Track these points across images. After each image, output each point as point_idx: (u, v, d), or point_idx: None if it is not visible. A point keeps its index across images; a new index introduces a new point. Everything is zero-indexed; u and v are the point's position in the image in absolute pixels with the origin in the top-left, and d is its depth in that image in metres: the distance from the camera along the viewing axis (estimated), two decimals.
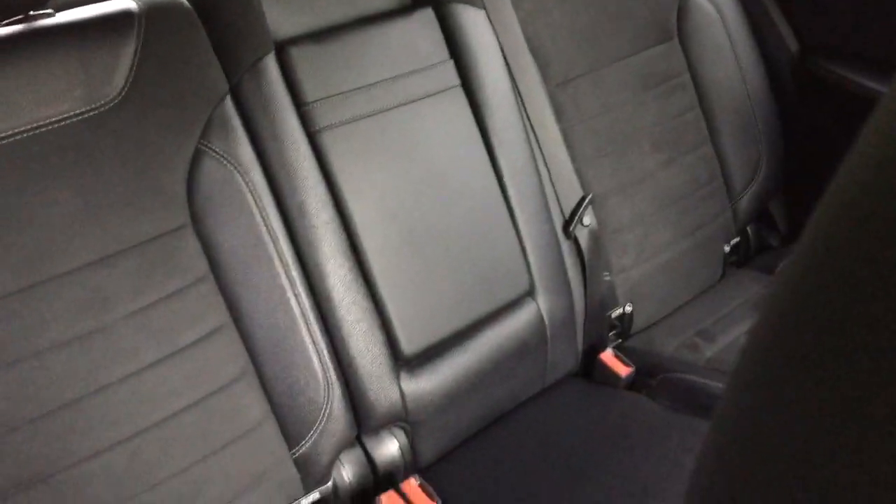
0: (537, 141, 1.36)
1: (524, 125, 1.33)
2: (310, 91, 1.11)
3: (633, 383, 1.39)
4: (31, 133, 0.92)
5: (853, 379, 0.15)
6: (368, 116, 1.15)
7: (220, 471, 1.00)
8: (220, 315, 1.03)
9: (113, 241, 0.96)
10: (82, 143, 0.95)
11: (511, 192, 1.28)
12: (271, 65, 1.09)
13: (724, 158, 1.63)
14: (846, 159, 0.18)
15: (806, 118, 1.72)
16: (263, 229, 1.05)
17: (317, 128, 1.11)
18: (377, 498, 1.14)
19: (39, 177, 0.92)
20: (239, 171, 1.04)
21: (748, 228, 1.72)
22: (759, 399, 0.17)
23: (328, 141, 1.12)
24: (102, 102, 0.97)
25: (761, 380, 0.17)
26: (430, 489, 1.15)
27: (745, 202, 1.67)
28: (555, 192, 1.38)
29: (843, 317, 0.15)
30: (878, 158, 0.17)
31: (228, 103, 1.05)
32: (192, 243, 1.02)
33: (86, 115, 0.96)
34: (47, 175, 0.93)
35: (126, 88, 0.98)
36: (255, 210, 1.05)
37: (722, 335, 1.47)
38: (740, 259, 1.72)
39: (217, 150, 1.03)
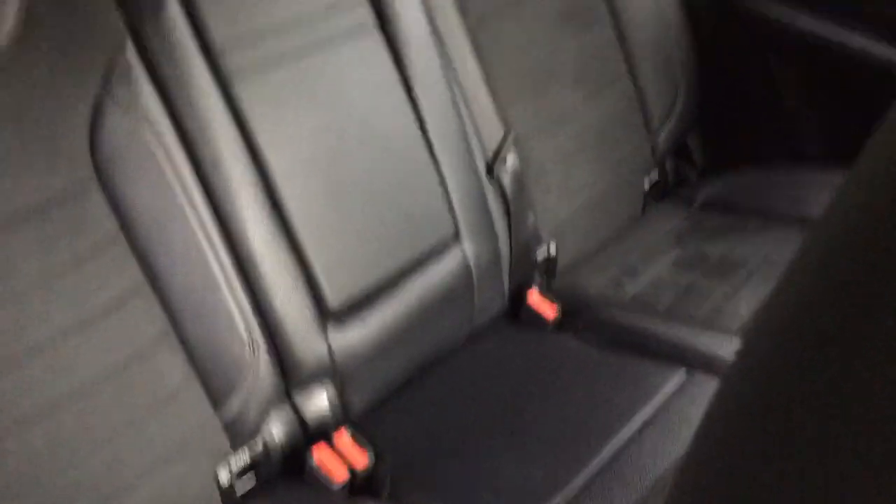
0: (458, 81, 1.33)
1: (444, 64, 1.29)
2: (217, 32, 1.05)
3: (560, 324, 1.39)
4: None
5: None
6: (282, 59, 1.10)
7: (143, 440, 0.95)
8: (135, 277, 0.97)
9: (12, 206, 0.89)
10: None
11: (432, 135, 1.25)
12: (173, 5, 1.01)
13: (643, 92, 1.63)
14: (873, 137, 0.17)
15: (724, 51, 1.72)
16: (176, 185, 0.99)
17: (228, 74, 1.05)
18: (309, 451, 1.11)
19: None
20: (146, 123, 0.98)
21: (666, 163, 1.73)
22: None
23: (241, 88, 1.06)
24: None
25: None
26: (363, 439, 1.14)
27: (662, 136, 1.67)
28: (477, 133, 1.35)
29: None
30: None
31: (130, 48, 0.98)
32: (98, 202, 0.95)
33: None
34: None
35: (16, 34, 0.90)
36: (165, 165, 0.99)
37: (645, 270, 1.48)
38: (659, 193, 1.73)
39: (120, 99, 0.96)
